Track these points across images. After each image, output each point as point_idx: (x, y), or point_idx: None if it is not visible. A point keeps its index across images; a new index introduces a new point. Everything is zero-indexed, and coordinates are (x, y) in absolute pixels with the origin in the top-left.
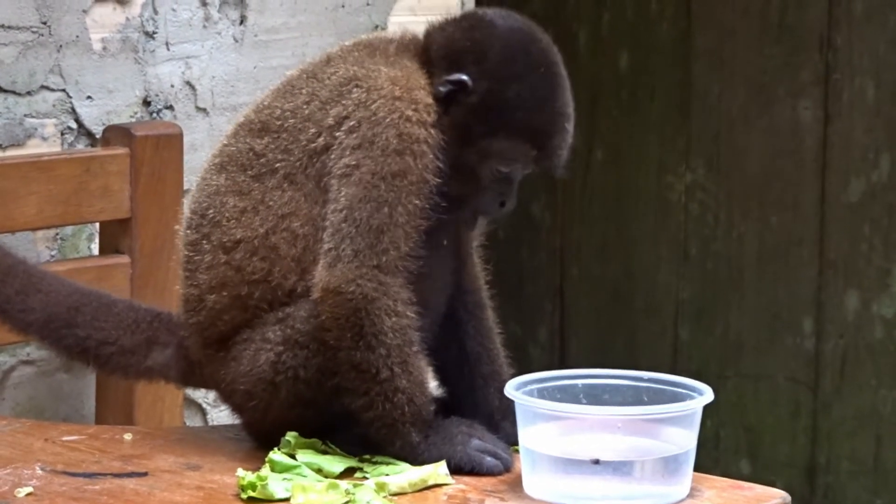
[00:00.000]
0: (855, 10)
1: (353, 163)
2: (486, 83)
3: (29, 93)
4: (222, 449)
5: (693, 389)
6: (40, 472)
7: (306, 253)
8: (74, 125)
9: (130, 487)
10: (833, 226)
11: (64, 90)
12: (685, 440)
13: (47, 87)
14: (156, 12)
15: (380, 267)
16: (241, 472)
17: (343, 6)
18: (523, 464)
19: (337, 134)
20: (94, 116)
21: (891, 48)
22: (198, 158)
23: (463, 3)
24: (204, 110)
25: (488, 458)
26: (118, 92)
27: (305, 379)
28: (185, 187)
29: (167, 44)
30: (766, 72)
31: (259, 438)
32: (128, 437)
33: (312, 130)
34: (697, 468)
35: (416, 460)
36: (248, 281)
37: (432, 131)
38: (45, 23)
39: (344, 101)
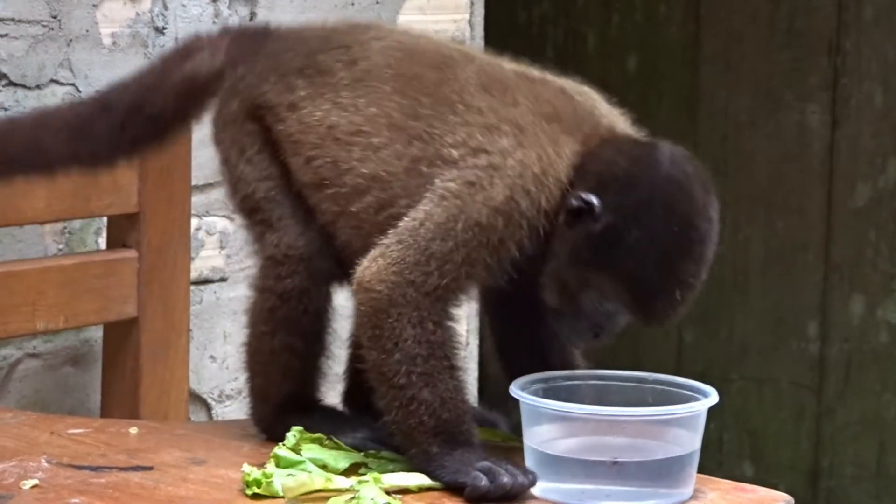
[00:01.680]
0: (864, 15)
1: (455, 190)
2: (612, 217)
3: (38, 86)
4: (228, 444)
5: (698, 391)
6: (46, 464)
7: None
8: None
9: (135, 481)
10: (839, 230)
11: (73, 84)
12: (689, 442)
13: (57, 81)
14: (166, 7)
15: (415, 284)
16: (246, 467)
17: (353, 3)
18: (528, 464)
19: (468, 159)
20: None
21: None
22: (205, 154)
23: (472, 3)
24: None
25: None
26: None
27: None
28: (193, 182)
29: (177, 39)
30: (773, 76)
31: None
32: (133, 430)
33: (451, 140)
34: (701, 470)
35: (428, 472)
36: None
37: (541, 216)
38: (55, 17)
39: (493, 139)
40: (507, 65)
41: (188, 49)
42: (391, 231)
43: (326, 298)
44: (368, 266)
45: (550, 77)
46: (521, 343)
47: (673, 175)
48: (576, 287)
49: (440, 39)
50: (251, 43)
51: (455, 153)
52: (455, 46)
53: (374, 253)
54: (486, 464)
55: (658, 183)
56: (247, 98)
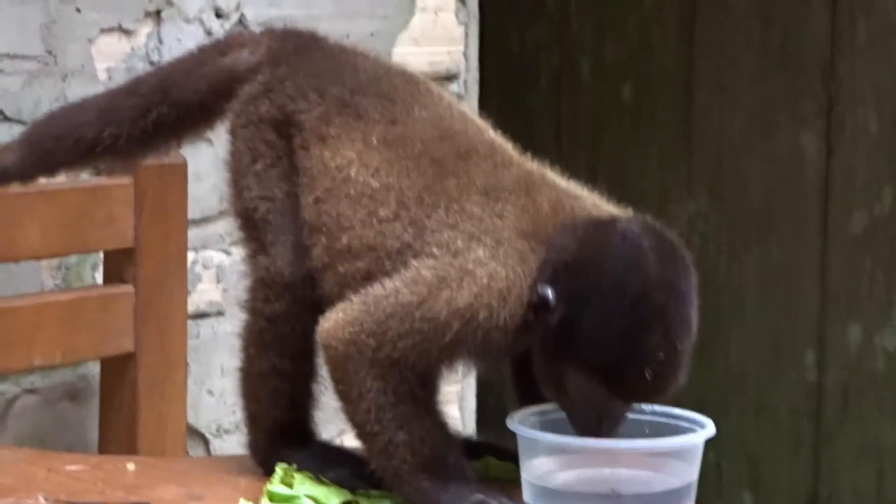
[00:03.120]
0: (858, 41)
1: (427, 279)
2: (566, 305)
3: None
4: (225, 480)
5: (695, 423)
6: (43, 502)
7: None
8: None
9: None
10: (835, 257)
11: None
12: (687, 473)
13: None
14: (161, 42)
15: (370, 348)
16: (242, 502)
17: (347, 36)
18: (526, 497)
19: (446, 257)
20: None
21: (894, 80)
22: (202, 188)
23: (466, 35)
24: (208, 140)
25: None
26: None
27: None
28: (190, 216)
29: None
30: (767, 100)
31: None
32: (131, 466)
33: (435, 239)
34: (700, 499)
35: None
36: None
37: (498, 331)
38: (50, 52)
39: (471, 247)
40: (522, 165)
41: (229, 43)
42: (361, 290)
43: (315, 322)
44: (329, 318)
45: (555, 181)
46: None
47: (621, 251)
48: (558, 380)
49: (480, 122)
50: (297, 45)
51: (436, 251)
52: (487, 136)
53: (338, 306)
54: (479, 497)
55: (605, 262)
56: (281, 107)
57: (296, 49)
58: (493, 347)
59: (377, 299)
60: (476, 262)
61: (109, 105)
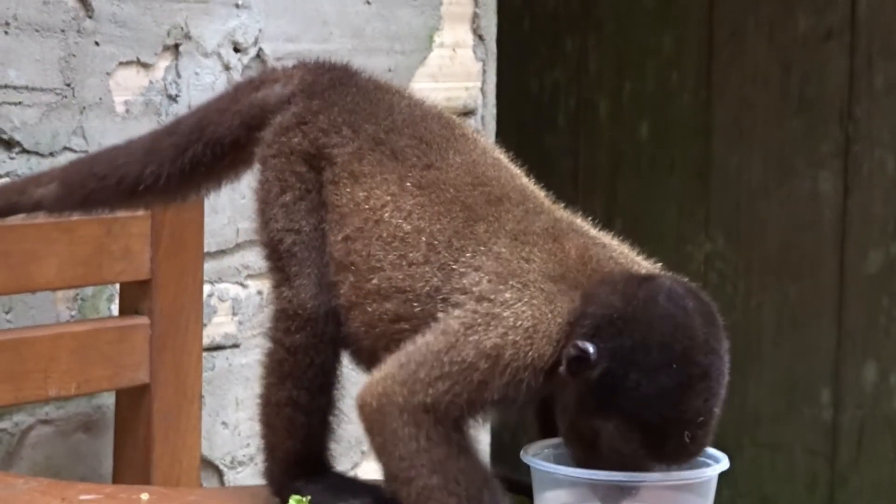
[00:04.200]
0: (875, 83)
1: (454, 328)
2: (609, 362)
3: (52, 153)
4: None
5: (709, 457)
6: None
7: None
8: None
9: None
10: (851, 297)
11: (86, 151)
12: None
13: (70, 149)
14: (179, 76)
15: (403, 397)
16: None
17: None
18: None
19: (471, 303)
20: None
21: None
22: (218, 221)
23: (484, 72)
24: None
25: None
26: None
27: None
28: (206, 249)
29: (190, 107)
30: (785, 143)
31: None
32: (145, 497)
33: (460, 284)
34: None
35: None
36: None
37: (527, 371)
38: (68, 84)
39: (497, 289)
40: (552, 212)
41: (262, 79)
42: (388, 331)
43: (335, 355)
44: (365, 384)
45: (583, 228)
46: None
47: (668, 311)
48: (590, 437)
49: (513, 168)
50: (331, 78)
51: (462, 298)
52: (519, 182)
53: (373, 373)
54: None
55: (653, 321)
56: (314, 140)
57: (330, 83)
58: (522, 388)
59: (408, 353)
60: (503, 305)
61: (152, 146)
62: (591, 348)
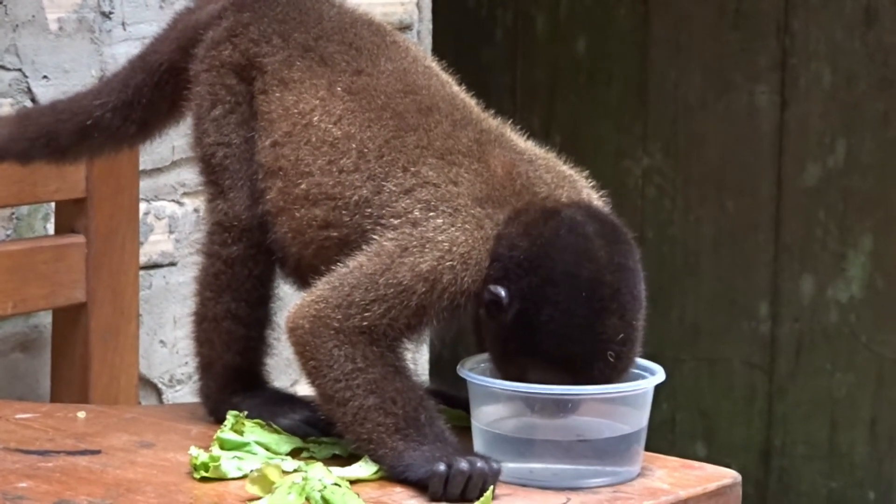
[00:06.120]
0: None
1: (389, 250)
2: (521, 303)
3: None
4: (176, 427)
5: (644, 369)
6: None
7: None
8: (30, 105)
9: (83, 465)
10: (789, 211)
11: (20, 70)
12: (637, 420)
13: (3, 67)
14: None
15: (337, 321)
16: (193, 450)
17: None
18: (476, 444)
19: (405, 227)
20: (51, 96)
21: (847, 34)
22: None
23: None
24: None
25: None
26: (74, 72)
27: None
28: (142, 167)
29: (124, 24)
30: (723, 57)
31: None
32: (81, 415)
33: (393, 209)
34: (653, 451)
35: (398, 470)
36: None
37: (462, 295)
38: (1, 2)
39: (428, 216)
40: (480, 123)
41: (199, 4)
42: (317, 238)
43: (271, 266)
44: (295, 306)
45: (512, 142)
46: None
47: (569, 241)
48: (518, 372)
49: (444, 76)
50: None
51: (395, 221)
52: (450, 91)
53: (302, 295)
54: (443, 466)
55: (556, 255)
56: (244, 52)
57: None
58: (458, 313)
59: (341, 276)
60: (436, 230)
61: (105, 83)
62: (502, 292)
